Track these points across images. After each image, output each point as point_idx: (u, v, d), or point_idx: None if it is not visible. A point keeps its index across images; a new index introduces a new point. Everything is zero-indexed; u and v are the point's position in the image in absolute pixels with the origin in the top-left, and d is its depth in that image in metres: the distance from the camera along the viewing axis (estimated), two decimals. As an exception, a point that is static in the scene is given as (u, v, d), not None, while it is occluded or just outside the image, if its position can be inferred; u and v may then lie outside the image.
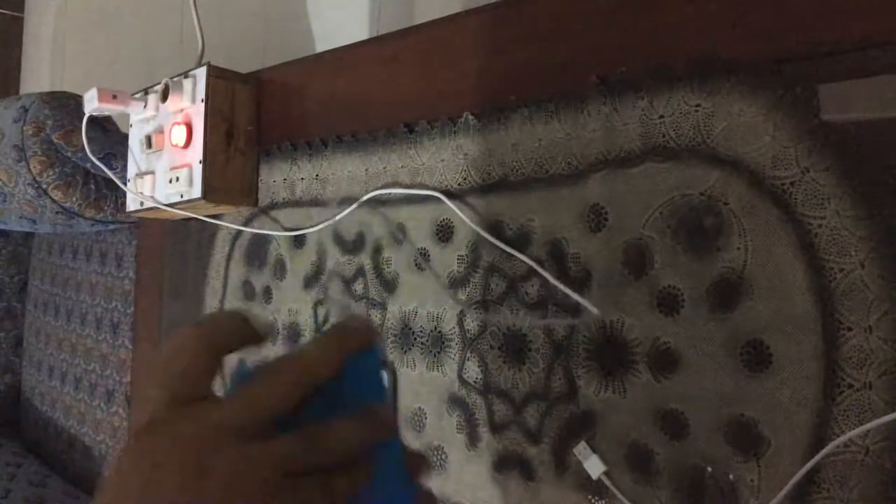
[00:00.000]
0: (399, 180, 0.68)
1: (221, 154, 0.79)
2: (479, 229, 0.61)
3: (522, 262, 0.58)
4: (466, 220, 0.62)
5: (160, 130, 0.82)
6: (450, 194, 0.63)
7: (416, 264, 0.66)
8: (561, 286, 0.55)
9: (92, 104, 0.80)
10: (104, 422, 1.48)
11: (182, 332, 0.29)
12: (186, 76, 0.80)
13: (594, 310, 0.54)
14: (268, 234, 0.80)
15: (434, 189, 0.65)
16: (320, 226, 0.74)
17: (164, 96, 0.80)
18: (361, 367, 0.32)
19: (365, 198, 0.70)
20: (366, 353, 0.32)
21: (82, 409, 1.56)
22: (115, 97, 0.81)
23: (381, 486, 0.31)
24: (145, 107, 0.83)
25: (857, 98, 0.43)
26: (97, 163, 0.92)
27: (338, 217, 0.72)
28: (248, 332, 0.31)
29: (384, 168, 0.69)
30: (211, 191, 0.78)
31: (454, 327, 0.63)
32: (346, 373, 0.31)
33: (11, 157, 1.30)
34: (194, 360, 0.28)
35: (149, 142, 0.83)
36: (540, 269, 0.57)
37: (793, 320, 0.45)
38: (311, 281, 0.76)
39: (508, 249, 0.59)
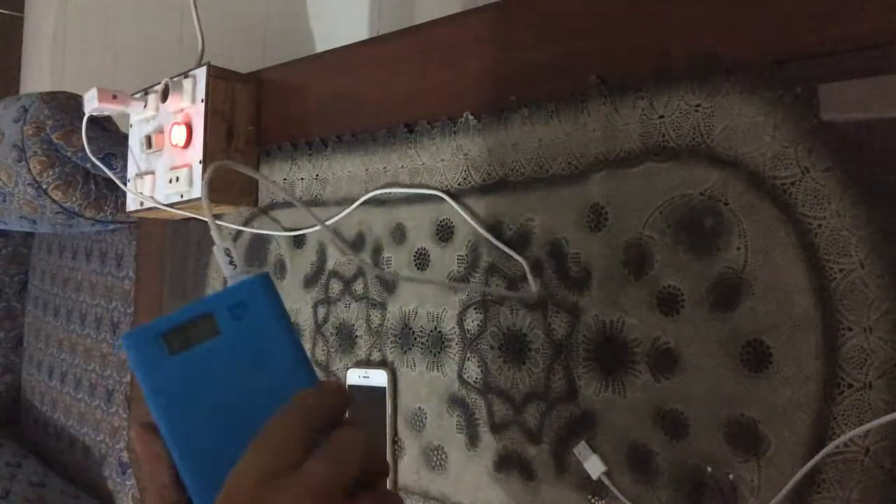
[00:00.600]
0: (399, 180, 0.68)
1: (221, 154, 0.79)
2: (479, 228, 0.61)
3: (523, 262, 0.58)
4: (468, 218, 0.62)
5: (160, 130, 0.82)
6: (450, 194, 0.63)
7: (415, 264, 0.66)
8: (507, 249, 0.55)
9: (92, 104, 0.80)
10: (104, 422, 1.49)
11: (283, 409, 0.30)
12: (186, 76, 0.80)
13: (534, 287, 0.56)
14: (268, 234, 0.80)
15: (434, 189, 0.65)
16: (321, 225, 0.74)
17: (164, 96, 0.80)
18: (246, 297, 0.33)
19: (365, 197, 0.70)
20: (241, 285, 0.33)
21: (82, 409, 1.56)
22: (115, 97, 0.81)
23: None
24: (145, 107, 0.83)
25: (857, 98, 0.43)
26: (97, 163, 0.92)
27: (338, 217, 0.72)
28: (342, 407, 0.32)
29: (384, 168, 0.69)
30: (211, 191, 0.78)
31: (454, 327, 0.63)
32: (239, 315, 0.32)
33: (11, 157, 1.31)
34: (289, 438, 0.29)
35: (149, 142, 0.83)
36: (528, 270, 0.57)
37: (793, 320, 0.45)
38: (310, 281, 0.76)
39: (506, 249, 0.59)
